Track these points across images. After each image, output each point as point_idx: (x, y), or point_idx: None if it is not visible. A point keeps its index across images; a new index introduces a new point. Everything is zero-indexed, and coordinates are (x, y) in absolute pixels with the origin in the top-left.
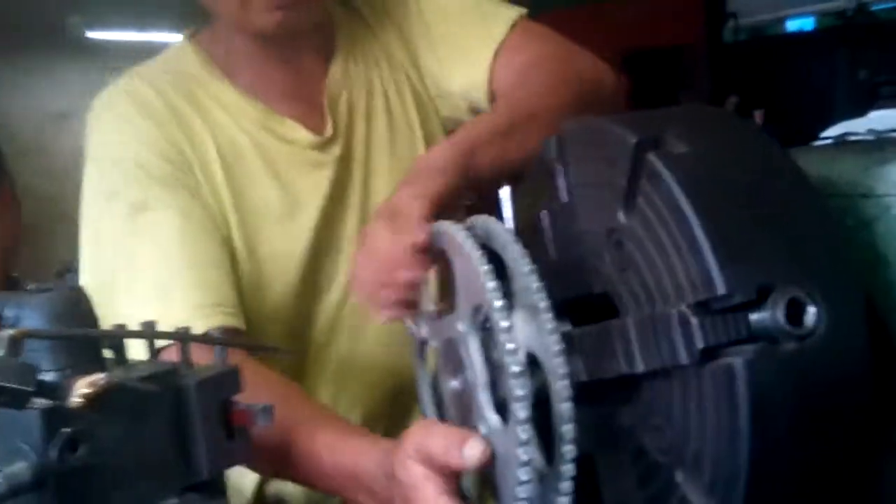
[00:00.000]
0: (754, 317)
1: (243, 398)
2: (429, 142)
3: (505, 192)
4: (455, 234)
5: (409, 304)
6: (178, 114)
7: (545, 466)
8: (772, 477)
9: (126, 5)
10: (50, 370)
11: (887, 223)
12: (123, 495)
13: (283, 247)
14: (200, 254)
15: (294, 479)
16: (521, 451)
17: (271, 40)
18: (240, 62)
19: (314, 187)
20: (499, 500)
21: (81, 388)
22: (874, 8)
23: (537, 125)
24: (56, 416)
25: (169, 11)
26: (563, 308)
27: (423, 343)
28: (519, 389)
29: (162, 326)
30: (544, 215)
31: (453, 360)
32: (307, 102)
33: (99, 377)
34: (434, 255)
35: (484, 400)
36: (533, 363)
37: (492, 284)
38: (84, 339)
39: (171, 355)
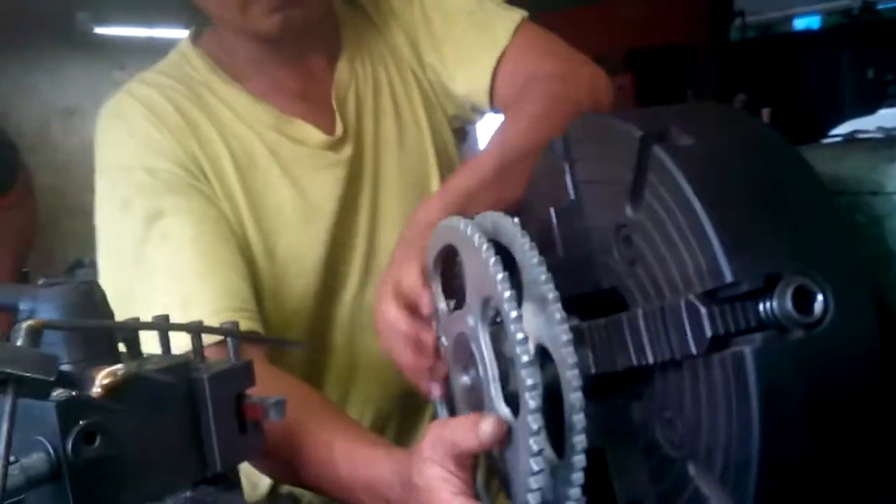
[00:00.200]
0: (762, 305)
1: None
2: (436, 139)
3: None
4: (464, 228)
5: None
6: (189, 120)
7: (556, 459)
8: (783, 465)
9: (134, 1)
10: (65, 362)
11: None
12: (138, 487)
13: (301, 248)
14: (218, 258)
15: (308, 487)
16: (532, 440)
17: (276, 42)
18: (246, 65)
19: (328, 188)
20: (511, 494)
21: (102, 379)
22: (880, 7)
23: (531, 163)
24: (72, 409)
25: (176, 8)
26: (573, 304)
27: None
28: (529, 378)
29: (180, 335)
30: (552, 213)
31: (464, 355)
32: (316, 102)
33: (118, 367)
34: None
35: (495, 393)
36: (543, 356)
37: (501, 275)
38: (101, 330)
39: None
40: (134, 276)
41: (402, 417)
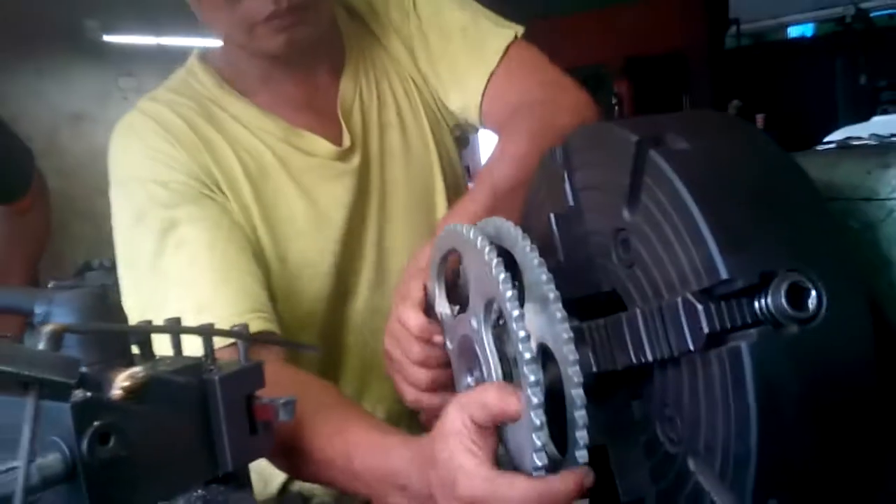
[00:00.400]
0: (757, 302)
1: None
2: (439, 147)
3: None
4: (466, 231)
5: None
6: (201, 134)
7: (557, 454)
8: (781, 459)
9: (142, 10)
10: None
11: (890, 225)
12: (151, 486)
13: (312, 255)
14: (233, 264)
15: (322, 481)
16: (535, 436)
17: (282, 59)
18: (254, 81)
19: (337, 197)
20: None
21: (122, 381)
22: (873, 14)
23: (520, 196)
24: (87, 410)
25: (184, 16)
26: (573, 307)
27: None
28: (532, 375)
29: (193, 338)
30: (551, 219)
31: (468, 357)
32: (322, 115)
33: (138, 370)
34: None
35: (490, 359)
36: (545, 357)
37: (503, 275)
38: (120, 333)
39: None
40: (151, 286)
41: (411, 417)
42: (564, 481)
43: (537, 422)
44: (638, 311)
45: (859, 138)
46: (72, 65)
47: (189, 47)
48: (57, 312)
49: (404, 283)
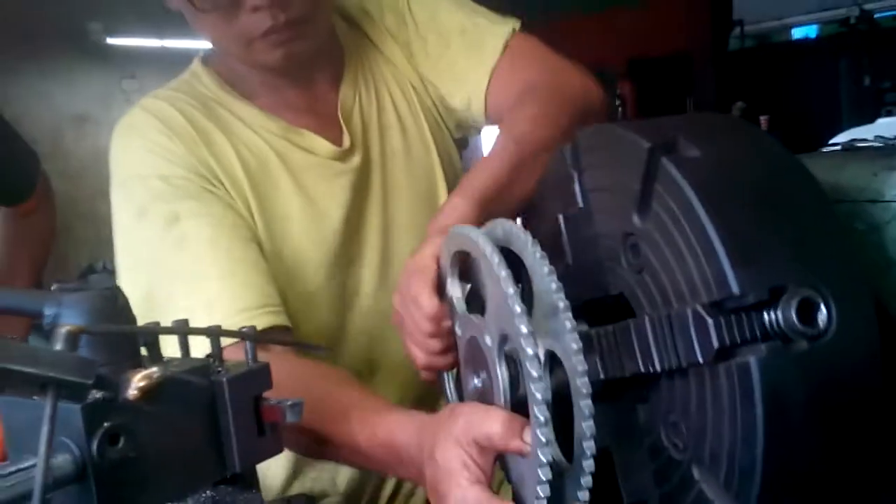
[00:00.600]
0: (767, 316)
1: (289, 380)
2: (440, 150)
3: None
4: (479, 241)
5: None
6: (201, 130)
7: (564, 461)
8: (786, 471)
9: (146, 13)
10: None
11: None
12: (160, 487)
13: (309, 255)
14: (237, 258)
15: (332, 457)
16: (541, 452)
17: (281, 71)
18: (255, 86)
19: (335, 196)
20: (517, 498)
21: (138, 381)
22: (877, 16)
23: (542, 160)
24: (97, 411)
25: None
26: (581, 309)
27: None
28: (539, 393)
29: (204, 339)
30: (561, 220)
31: (475, 358)
32: (323, 118)
33: (154, 370)
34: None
35: (502, 395)
36: (552, 361)
37: (525, 329)
38: (131, 334)
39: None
40: (155, 282)
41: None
42: None
43: (544, 439)
44: (647, 319)
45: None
46: (75, 67)
47: (192, 49)
48: (67, 314)
49: (420, 254)
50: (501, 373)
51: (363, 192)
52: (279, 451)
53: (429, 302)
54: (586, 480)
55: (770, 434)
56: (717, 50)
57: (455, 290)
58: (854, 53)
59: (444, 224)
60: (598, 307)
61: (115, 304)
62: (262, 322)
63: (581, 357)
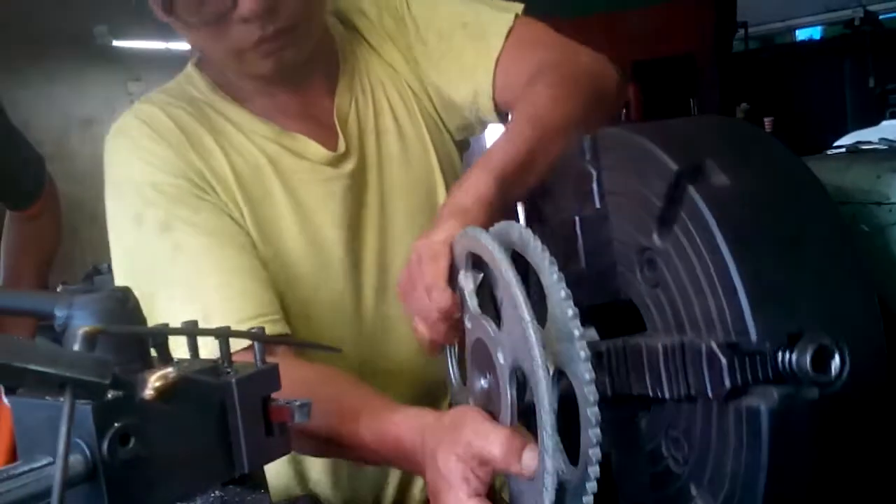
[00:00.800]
0: (781, 358)
1: (296, 379)
2: (440, 154)
3: None
4: (493, 252)
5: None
6: (189, 132)
7: (568, 466)
8: None
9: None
10: None
11: None
12: (170, 486)
13: (303, 259)
14: (233, 267)
15: (337, 456)
16: (546, 460)
17: (274, 78)
18: (248, 90)
19: (328, 201)
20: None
21: (154, 381)
22: (881, 17)
23: (560, 137)
24: (108, 411)
25: None
26: (590, 313)
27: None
28: (547, 403)
29: (205, 347)
30: (576, 222)
31: (482, 359)
32: (318, 123)
33: (169, 370)
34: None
35: (509, 413)
36: (560, 373)
37: (543, 380)
38: (144, 336)
39: None
40: (152, 291)
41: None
42: None
43: (549, 466)
44: (659, 345)
45: (869, 142)
46: (81, 70)
47: (184, 70)
48: (78, 316)
49: (434, 239)
50: (511, 394)
51: (359, 197)
52: (287, 451)
53: (442, 296)
54: (591, 486)
55: (773, 478)
56: (722, 52)
57: (467, 283)
58: (858, 55)
59: (462, 204)
60: (606, 310)
61: (126, 306)
62: None
63: (589, 365)
